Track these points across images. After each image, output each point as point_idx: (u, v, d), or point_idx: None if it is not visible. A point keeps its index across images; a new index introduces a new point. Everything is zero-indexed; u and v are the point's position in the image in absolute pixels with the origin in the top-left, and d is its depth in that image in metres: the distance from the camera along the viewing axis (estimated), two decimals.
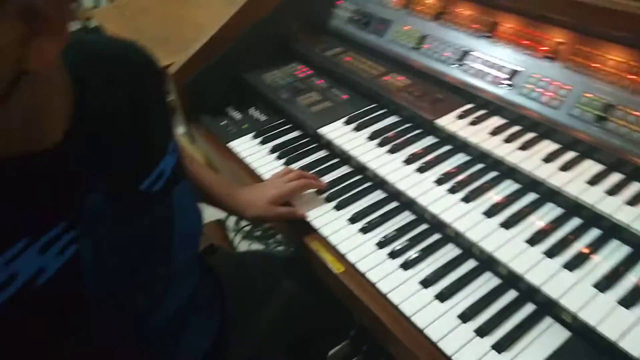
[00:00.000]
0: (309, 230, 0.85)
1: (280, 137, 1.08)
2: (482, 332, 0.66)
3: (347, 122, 1.00)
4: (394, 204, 0.88)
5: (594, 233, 0.72)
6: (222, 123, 1.16)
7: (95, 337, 0.54)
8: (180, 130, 2.39)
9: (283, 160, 1.00)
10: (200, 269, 0.78)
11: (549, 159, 0.80)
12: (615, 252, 0.69)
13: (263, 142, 1.07)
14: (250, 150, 1.05)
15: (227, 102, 1.21)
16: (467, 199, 0.79)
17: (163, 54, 1.78)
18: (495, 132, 0.87)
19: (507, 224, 0.74)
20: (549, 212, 0.76)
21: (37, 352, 0.48)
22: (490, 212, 0.76)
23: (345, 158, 0.99)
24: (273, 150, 1.04)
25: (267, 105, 1.18)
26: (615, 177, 0.75)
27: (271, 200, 0.85)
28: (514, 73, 0.91)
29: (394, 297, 0.71)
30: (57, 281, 0.47)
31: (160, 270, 0.62)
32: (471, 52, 0.98)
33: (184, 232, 0.63)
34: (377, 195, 0.91)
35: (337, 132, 0.98)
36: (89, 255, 0.50)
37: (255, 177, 1.00)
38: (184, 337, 0.71)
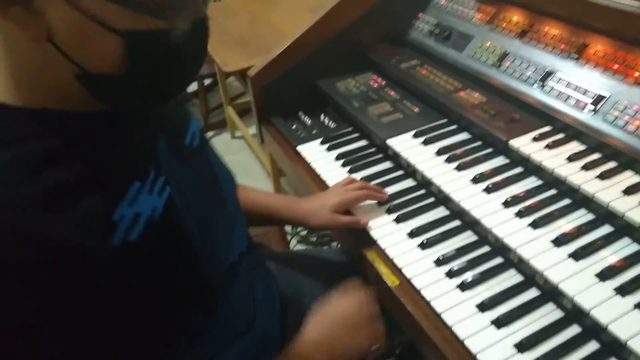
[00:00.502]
0: (367, 240, 0.85)
1: (347, 145, 1.10)
2: None
3: (416, 136, 1.00)
4: (456, 223, 0.87)
5: None
6: (293, 127, 1.20)
7: (200, 270, 0.59)
8: (250, 130, 2.49)
9: (347, 168, 1.02)
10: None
11: (629, 191, 0.75)
12: None
13: (330, 149, 1.09)
14: (317, 155, 1.08)
15: (299, 106, 1.25)
16: (535, 225, 0.76)
17: (244, 56, 1.89)
18: (572, 158, 0.83)
19: (576, 255, 0.70)
20: (625, 247, 0.72)
21: (161, 290, 0.53)
22: (559, 241, 0.72)
23: (410, 171, 0.98)
24: (339, 158, 1.05)
25: (338, 113, 1.21)
26: None
27: (334, 209, 0.86)
28: (599, 98, 0.86)
29: (448, 318, 0.70)
30: (166, 216, 0.53)
31: (221, 211, 0.67)
32: (555, 73, 0.94)
33: (224, 180, 0.70)
34: (440, 212, 0.90)
35: (405, 145, 0.98)
36: (177, 194, 0.56)
37: (319, 182, 1.02)
38: (256, 288, 0.74)
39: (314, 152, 1.09)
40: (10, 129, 0.46)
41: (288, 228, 1.93)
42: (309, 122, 1.21)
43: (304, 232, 1.94)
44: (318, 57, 1.22)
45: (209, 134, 2.80)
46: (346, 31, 1.23)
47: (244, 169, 2.50)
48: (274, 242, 1.29)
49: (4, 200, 0.42)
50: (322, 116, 1.22)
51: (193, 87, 2.93)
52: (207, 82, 2.90)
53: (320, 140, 1.12)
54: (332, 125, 1.19)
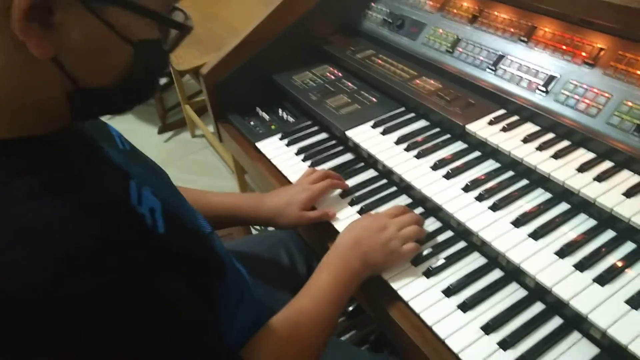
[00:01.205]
0: (333, 233, 0.84)
1: (307, 139, 1.08)
2: (505, 344, 0.64)
3: (375, 126, 0.99)
4: (419, 210, 0.87)
5: (628, 247, 0.69)
6: (251, 123, 1.17)
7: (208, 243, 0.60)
8: (210, 128, 2.43)
9: (309, 162, 1.00)
10: None
11: (583, 168, 0.76)
12: None
13: (290, 144, 1.07)
14: (277, 151, 1.06)
15: (257, 102, 1.22)
16: (495, 207, 0.77)
17: (197, 53, 1.84)
18: (527, 139, 0.84)
19: (535, 235, 0.71)
20: (582, 223, 0.73)
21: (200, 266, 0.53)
22: (519, 222, 0.74)
23: (371, 162, 0.98)
24: (299, 152, 1.04)
25: (296, 107, 1.19)
26: None
27: (301, 206, 0.85)
28: (550, 79, 0.88)
29: (416, 305, 0.70)
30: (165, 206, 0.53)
31: (179, 199, 0.67)
32: (506, 57, 0.96)
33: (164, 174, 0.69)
34: (402, 200, 0.90)
35: (365, 135, 0.97)
36: (155, 189, 0.56)
37: (280, 178, 1.00)
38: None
39: (274, 148, 1.07)
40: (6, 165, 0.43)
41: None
42: (267, 117, 1.19)
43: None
44: (272, 52, 1.20)
45: (168, 134, 2.73)
46: (299, 24, 1.21)
47: (207, 167, 2.46)
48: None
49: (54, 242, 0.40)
50: (280, 111, 1.20)
51: None
52: (162, 81, 2.82)
53: (279, 135, 1.10)
54: (290, 119, 1.17)
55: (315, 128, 1.12)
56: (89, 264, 0.40)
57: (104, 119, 0.63)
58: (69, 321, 0.39)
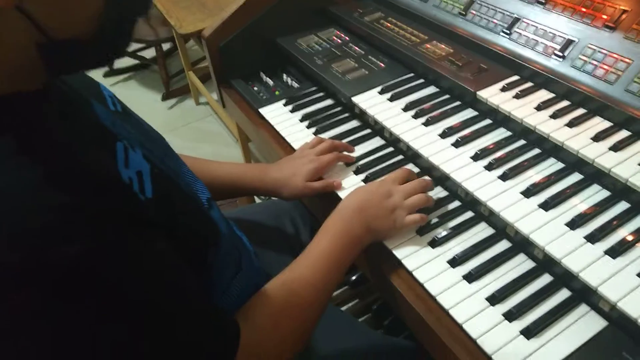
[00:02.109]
0: (338, 202, 0.82)
1: (311, 105, 1.05)
2: (511, 315, 0.62)
3: (383, 92, 0.96)
4: (425, 179, 0.84)
5: None
6: (255, 89, 1.14)
7: (202, 209, 0.59)
8: (215, 96, 2.40)
9: (313, 129, 0.98)
10: None
11: (598, 137, 0.73)
12: None
13: (294, 110, 1.04)
14: (281, 117, 1.03)
15: (260, 67, 1.19)
16: (504, 177, 0.74)
17: (201, 16, 1.79)
18: (541, 106, 0.81)
19: (546, 205, 0.69)
20: (595, 194, 0.71)
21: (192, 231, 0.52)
22: (529, 192, 0.71)
23: (377, 129, 0.95)
24: (304, 119, 1.01)
25: (301, 72, 1.15)
26: None
27: (307, 177, 0.82)
28: (568, 43, 0.84)
29: (420, 275, 0.69)
30: (156, 169, 0.51)
31: (176, 162, 0.66)
32: (522, 20, 0.91)
33: (159, 137, 0.67)
34: (409, 168, 0.87)
35: (371, 102, 0.94)
36: (146, 151, 0.54)
37: (284, 145, 0.98)
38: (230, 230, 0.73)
39: (278, 114, 1.04)
40: None
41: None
42: (271, 83, 1.15)
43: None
44: (277, 13, 1.15)
45: (172, 101, 2.69)
46: None
47: (212, 135, 2.43)
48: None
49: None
50: (284, 76, 1.16)
51: (151, 52, 2.80)
52: (165, 47, 2.76)
53: (283, 101, 1.07)
54: (295, 85, 1.14)
55: (321, 94, 1.09)
56: (58, 234, 0.38)
57: (99, 79, 0.60)
58: (45, 295, 0.37)
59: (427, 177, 0.81)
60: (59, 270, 0.37)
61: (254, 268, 0.70)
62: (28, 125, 0.42)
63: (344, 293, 1.38)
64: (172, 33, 2.29)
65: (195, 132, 2.47)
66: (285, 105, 1.06)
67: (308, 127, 0.99)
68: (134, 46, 2.88)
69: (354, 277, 1.36)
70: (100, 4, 0.43)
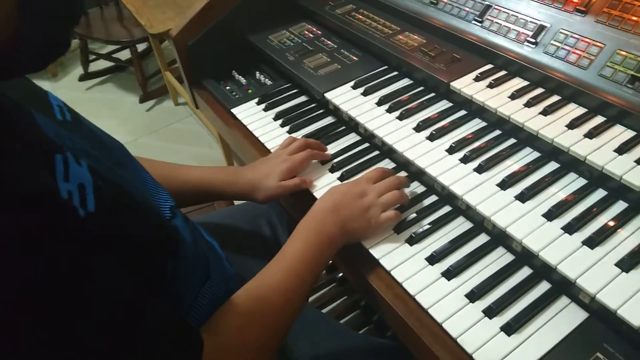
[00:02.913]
0: (311, 200, 0.80)
1: (285, 102, 1.03)
2: (491, 311, 0.61)
3: (356, 86, 0.94)
4: (402, 174, 0.83)
5: (619, 206, 0.66)
6: (227, 88, 1.11)
7: (161, 217, 0.56)
8: (186, 97, 2.36)
9: (287, 128, 0.95)
10: None
11: (573, 124, 0.72)
12: None
13: (267, 109, 1.01)
14: (254, 117, 1.01)
15: (232, 65, 1.16)
16: (480, 169, 0.73)
17: (171, 14, 1.74)
18: (515, 95, 0.79)
19: (522, 197, 0.68)
20: (571, 183, 0.70)
21: (144, 243, 0.49)
22: (505, 184, 0.70)
23: (352, 125, 0.93)
24: (277, 117, 0.99)
25: (273, 69, 1.13)
26: None
27: (281, 177, 0.80)
28: (540, 29, 0.82)
29: (398, 275, 0.67)
30: (103, 181, 0.47)
31: (132, 169, 0.62)
32: (493, 6, 0.89)
33: (116, 145, 0.63)
34: (385, 164, 0.85)
35: (344, 97, 0.92)
36: (93, 162, 0.50)
37: (258, 145, 0.95)
38: (197, 236, 0.69)
39: (251, 114, 1.02)
40: None
41: None
42: (244, 81, 1.12)
43: None
44: (246, 8, 1.13)
45: (150, 103, 2.64)
46: None
47: (192, 136, 2.39)
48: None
49: None
50: (257, 74, 1.14)
51: (126, 54, 2.74)
52: (141, 47, 2.71)
53: (256, 100, 1.05)
54: (268, 82, 1.11)
55: (294, 91, 1.06)
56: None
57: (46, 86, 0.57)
58: None
59: (401, 175, 0.79)
60: None
61: (225, 274, 0.68)
62: None
63: (331, 291, 1.37)
64: (147, 33, 2.24)
65: (176, 134, 2.42)
66: (258, 103, 1.04)
67: (282, 125, 0.97)
68: (109, 48, 2.82)
69: (340, 275, 1.35)
70: (10, 8, 0.39)
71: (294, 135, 0.93)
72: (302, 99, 1.04)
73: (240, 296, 0.59)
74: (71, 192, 0.42)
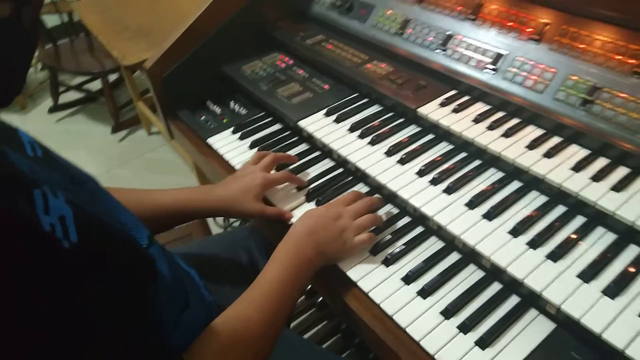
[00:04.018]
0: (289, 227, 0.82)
1: (260, 131, 1.05)
2: (465, 327, 0.64)
3: (328, 114, 0.97)
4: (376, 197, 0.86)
5: (578, 221, 0.70)
6: (202, 118, 1.13)
7: (137, 246, 0.57)
8: (159, 126, 2.37)
9: None
10: None
11: (532, 145, 0.77)
12: (600, 240, 0.67)
13: (242, 137, 1.04)
14: (230, 146, 1.03)
15: (207, 95, 1.18)
16: (449, 190, 0.76)
17: (144, 46, 1.76)
18: (478, 119, 0.84)
19: (489, 215, 0.71)
20: (533, 200, 0.74)
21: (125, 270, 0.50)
22: (473, 204, 0.73)
23: (326, 151, 0.96)
24: (253, 145, 1.01)
25: (248, 98, 1.15)
26: (601, 162, 0.73)
27: (258, 193, 0.82)
28: (498, 57, 0.88)
29: (375, 296, 0.69)
30: (81, 212, 0.48)
31: (105, 201, 0.63)
32: (455, 36, 0.95)
33: (85, 178, 0.64)
34: (359, 188, 0.88)
35: (318, 125, 0.95)
36: (69, 194, 0.51)
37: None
38: (174, 266, 0.70)
39: (226, 143, 1.04)
40: None
41: (219, 220, 1.86)
42: (219, 111, 1.15)
43: (237, 224, 1.88)
44: (219, 41, 1.16)
45: (122, 133, 2.63)
46: (246, 9, 1.17)
47: (166, 165, 2.39)
48: (197, 237, 1.23)
49: None
50: (231, 103, 1.16)
51: (97, 84, 2.73)
52: (112, 77, 2.71)
53: (232, 129, 1.07)
54: (243, 111, 1.13)
55: (269, 119, 1.09)
56: None
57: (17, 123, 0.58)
58: None
59: (374, 196, 0.82)
60: None
61: (204, 303, 0.69)
62: None
63: (311, 316, 1.37)
64: (118, 64, 2.25)
65: (150, 163, 2.41)
66: (233, 132, 1.06)
67: None
68: (79, 79, 2.81)
69: (320, 299, 1.36)
70: None
71: (261, 152, 0.95)
72: (277, 127, 1.07)
73: (221, 322, 0.60)
74: (53, 225, 0.43)
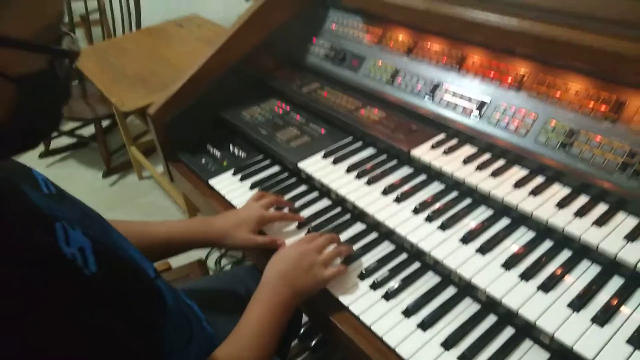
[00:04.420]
0: None
1: (259, 173, 1.10)
2: (465, 358, 0.67)
3: (326, 156, 1.03)
4: (373, 235, 0.90)
5: (565, 254, 0.75)
6: (202, 161, 1.17)
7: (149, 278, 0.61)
8: (159, 169, 2.40)
9: None
10: None
11: (519, 184, 0.83)
12: (586, 272, 0.71)
13: (243, 179, 1.08)
14: (231, 187, 1.07)
15: (207, 139, 1.23)
16: (443, 227, 0.81)
17: (142, 93, 1.83)
18: (467, 160, 0.90)
19: (482, 250, 0.76)
20: (523, 235, 0.79)
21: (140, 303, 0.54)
22: (466, 239, 0.78)
23: (324, 191, 1.01)
24: (253, 186, 1.05)
25: (247, 142, 1.20)
26: (582, 200, 0.79)
27: (251, 227, 0.87)
28: (482, 104, 0.95)
29: (377, 329, 0.72)
30: (98, 244, 0.52)
31: (116, 236, 0.67)
32: (442, 85, 1.02)
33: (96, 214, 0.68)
34: (357, 227, 0.92)
35: (316, 166, 1.00)
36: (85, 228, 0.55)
37: None
38: (179, 299, 0.74)
39: (228, 184, 1.08)
40: None
41: (211, 264, 1.87)
42: (219, 154, 1.19)
43: (229, 266, 1.89)
44: (220, 90, 1.22)
45: (114, 177, 2.65)
46: (244, 61, 1.24)
47: (158, 209, 2.39)
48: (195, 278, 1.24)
49: None
50: (231, 147, 1.21)
51: (90, 130, 2.77)
52: (105, 123, 2.75)
53: (232, 171, 1.11)
54: (242, 155, 1.18)
55: (267, 162, 1.14)
56: (12, 316, 0.39)
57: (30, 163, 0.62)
58: None
59: (333, 234, 0.86)
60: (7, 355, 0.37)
61: (206, 334, 0.71)
62: None
63: (307, 359, 1.37)
64: (112, 110, 2.30)
65: (141, 208, 2.42)
66: (234, 174, 1.10)
67: None
68: (71, 125, 2.85)
69: (314, 342, 1.36)
70: (12, 94, 0.45)
71: (262, 192, 0.99)
72: (276, 169, 1.11)
73: (220, 354, 0.64)
74: (74, 254, 0.47)
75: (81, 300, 0.44)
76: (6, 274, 0.40)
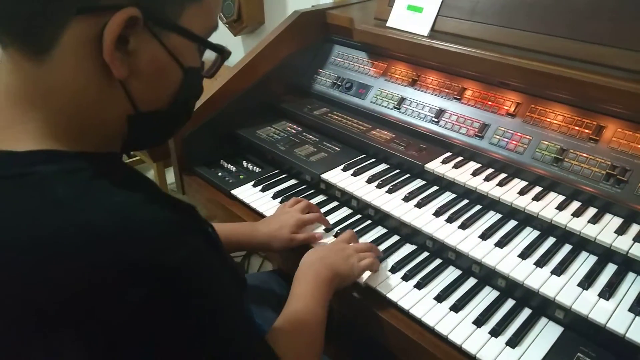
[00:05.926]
0: None
1: (279, 184, 1.18)
2: (495, 332, 0.77)
3: (345, 169, 1.13)
4: (394, 238, 1.00)
5: (567, 247, 0.89)
6: (219, 174, 1.24)
7: None
8: (168, 180, 2.38)
9: None
10: None
11: (522, 192, 0.97)
12: (587, 260, 0.85)
13: (264, 189, 1.16)
14: (254, 196, 1.14)
15: (220, 155, 1.30)
16: (463, 226, 0.93)
17: None
18: (475, 173, 1.04)
19: (500, 244, 0.88)
20: (530, 233, 0.93)
21: None
22: (485, 235, 0.90)
23: (343, 200, 1.11)
24: (275, 196, 1.13)
25: (261, 158, 1.29)
26: (575, 204, 0.94)
27: (293, 229, 0.95)
28: (483, 127, 1.10)
29: (416, 312, 0.82)
30: None
31: None
32: (446, 111, 1.17)
33: None
34: (377, 231, 1.03)
35: (338, 177, 1.10)
36: None
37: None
38: None
39: (250, 194, 1.15)
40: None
41: None
42: (233, 169, 1.27)
43: None
44: (233, 109, 1.31)
45: None
46: (256, 86, 1.34)
47: None
48: None
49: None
50: (244, 162, 1.29)
51: None
52: None
53: (252, 183, 1.19)
54: (256, 169, 1.26)
55: (283, 176, 1.23)
56: (174, 239, 0.46)
57: None
58: (163, 285, 0.44)
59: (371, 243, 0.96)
60: (167, 273, 0.44)
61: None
62: (117, 174, 0.51)
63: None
64: None
65: None
66: (254, 186, 1.18)
67: (281, 202, 1.11)
68: None
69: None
70: (178, 85, 0.54)
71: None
72: (293, 181, 1.20)
73: (280, 324, 0.71)
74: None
75: (208, 243, 0.54)
76: (162, 213, 0.48)
